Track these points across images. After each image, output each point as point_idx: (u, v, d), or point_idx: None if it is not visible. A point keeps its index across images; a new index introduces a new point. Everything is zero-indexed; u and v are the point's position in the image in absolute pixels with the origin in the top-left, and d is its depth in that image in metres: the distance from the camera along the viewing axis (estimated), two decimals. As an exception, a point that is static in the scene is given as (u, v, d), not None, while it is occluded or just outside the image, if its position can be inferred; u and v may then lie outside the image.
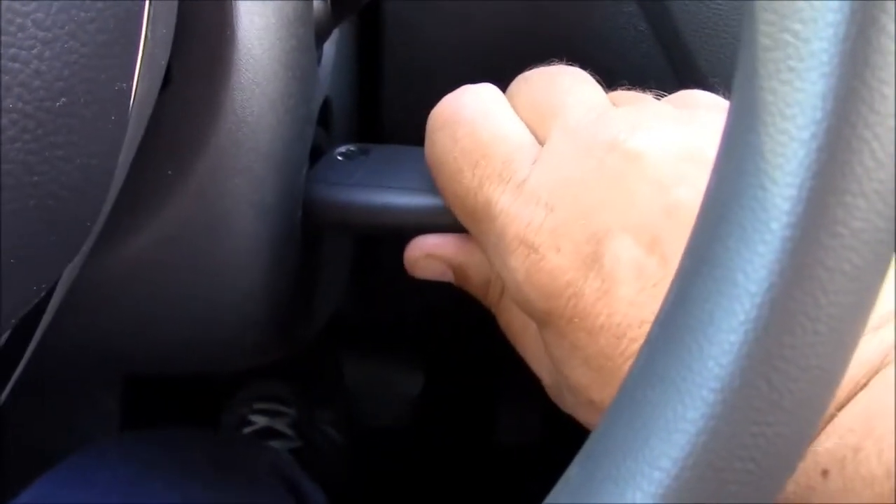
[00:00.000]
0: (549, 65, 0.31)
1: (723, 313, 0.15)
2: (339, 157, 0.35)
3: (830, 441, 0.22)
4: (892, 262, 0.16)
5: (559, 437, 0.87)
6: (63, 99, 0.21)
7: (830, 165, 0.15)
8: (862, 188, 0.15)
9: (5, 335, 0.25)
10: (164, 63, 0.27)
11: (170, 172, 0.30)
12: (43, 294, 0.24)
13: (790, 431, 0.16)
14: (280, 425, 0.86)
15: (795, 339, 0.15)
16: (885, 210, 0.15)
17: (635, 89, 0.31)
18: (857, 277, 0.15)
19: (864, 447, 0.22)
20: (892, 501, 0.21)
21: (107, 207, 0.26)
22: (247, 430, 0.85)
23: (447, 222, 0.31)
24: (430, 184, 0.31)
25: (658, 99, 0.30)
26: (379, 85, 0.42)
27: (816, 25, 0.15)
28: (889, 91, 0.15)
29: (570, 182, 0.27)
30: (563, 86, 0.30)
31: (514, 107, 0.30)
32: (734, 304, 0.15)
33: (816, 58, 0.15)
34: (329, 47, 0.36)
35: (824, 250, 0.15)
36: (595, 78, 0.30)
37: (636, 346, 0.25)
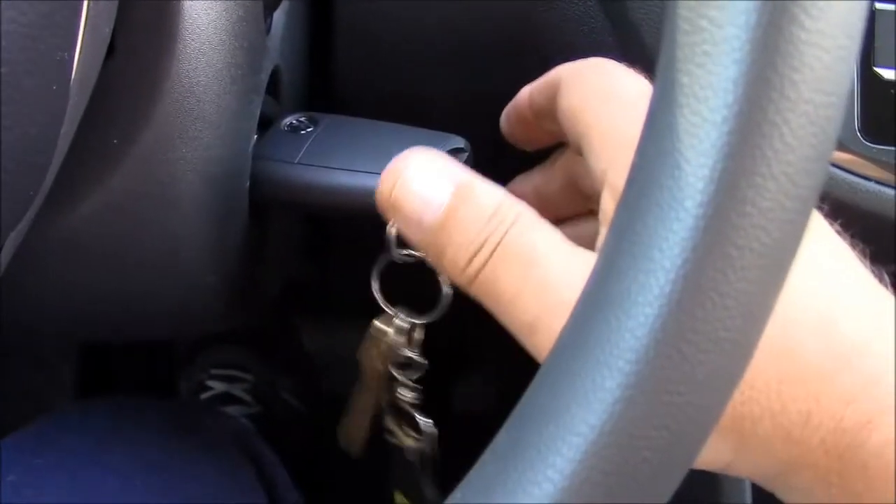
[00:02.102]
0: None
1: (639, 287, 0.16)
2: (286, 129, 0.35)
3: None
4: (802, 240, 0.16)
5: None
6: (2, 69, 0.21)
7: (741, 148, 0.15)
8: (771, 170, 0.15)
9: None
10: (108, 32, 0.27)
11: (115, 141, 0.30)
12: (-15, 262, 0.24)
13: (702, 401, 0.16)
14: (238, 391, 0.87)
15: (706, 313, 0.16)
16: (794, 191, 0.16)
17: None
18: (767, 255, 0.16)
19: None
20: None
21: (50, 177, 0.26)
22: (204, 395, 0.86)
23: None
24: (376, 163, 0.32)
25: None
26: (330, 54, 0.42)
27: (730, 12, 0.15)
28: (798, 77, 0.15)
29: None
30: None
31: None
32: (650, 279, 0.16)
33: (729, 43, 0.15)
34: (279, 16, 0.36)
35: (734, 229, 0.16)
36: None
37: None
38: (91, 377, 0.83)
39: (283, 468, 0.49)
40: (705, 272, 0.16)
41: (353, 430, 0.40)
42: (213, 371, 0.87)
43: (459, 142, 0.34)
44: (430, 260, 0.28)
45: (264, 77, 0.34)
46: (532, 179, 0.34)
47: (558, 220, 0.32)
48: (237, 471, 0.45)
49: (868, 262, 0.25)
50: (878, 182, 0.34)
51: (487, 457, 0.18)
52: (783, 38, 0.15)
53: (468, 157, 0.34)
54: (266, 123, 0.36)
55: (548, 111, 0.31)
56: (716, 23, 0.16)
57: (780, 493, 0.25)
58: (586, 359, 0.16)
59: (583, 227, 0.33)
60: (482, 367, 0.90)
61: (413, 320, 0.36)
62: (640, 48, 0.38)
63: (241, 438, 0.48)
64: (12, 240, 0.26)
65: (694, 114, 0.16)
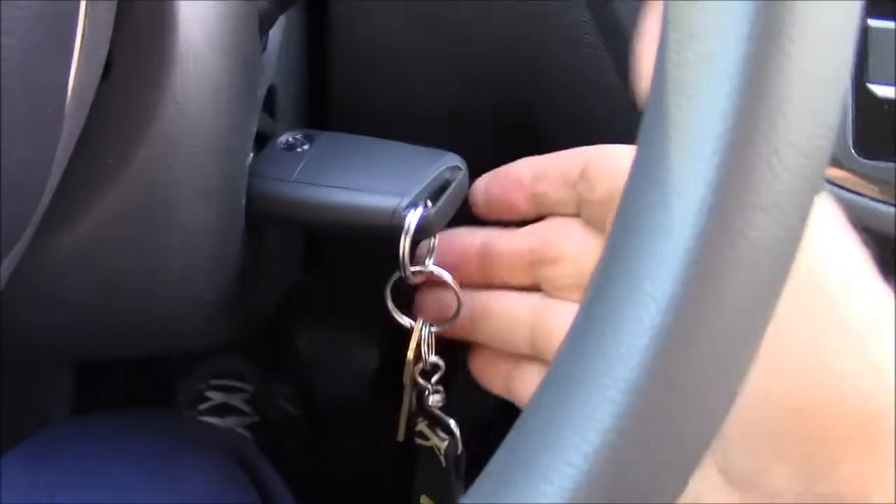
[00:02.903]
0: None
1: (630, 319, 0.16)
2: (282, 147, 0.35)
3: None
4: (791, 269, 0.17)
5: (510, 414, 0.87)
6: (-3, 94, 0.21)
7: (730, 179, 0.15)
8: (761, 201, 0.16)
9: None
10: (103, 53, 0.27)
11: (110, 161, 0.30)
12: (-20, 286, 0.24)
13: (694, 430, 0.17)
14: (236, 401, 0.87)
15: (697, 345, 0.16)
16: (784, 220, 0.16)
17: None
18: (758, 286, 0.16)
19: None
20: None
21: (46, 199, 0.26)
22: (203, 406, 0.86)
23: (386, 223, 0.31)
24: (372, 180, 0.32)
25: None
26: (326, 72, 0.43)
27: (721, 45, 0.16)
28: (788, 108, 0.16)
29: None
30: None
31: None
32: (640, 311, 0.16)
33: (720, 76, 0.15)
34: (275, 34, 0.36)
35: (725, 261, 0.16)
36: None
37: None
38: (89, 389, 0.83)
39: (283, 483, 0.49)
40: (696, 303, 0.16)
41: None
42: (212, 381, 0.87)
43: (456, 160, 0.34)
44: None
45: (260, 95, 0.34)
46: (485, 234, 0.36)
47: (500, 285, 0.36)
48: (236, 485, 0.45)
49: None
50: (871, 198, 0.34)
51: (481, 481, 0.18)
52: (773, 69, 0.15)
53: (464, 174, 0.34)
54: (262, 141, 0.36)
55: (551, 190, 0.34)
56: (704, 55, 0.16)
57: None
58: (578, 388, 0.17)
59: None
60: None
61: (431, 328, 0.37)
62: (627, 50, 0.38)
63: (240, 452, 0.48)
64: (8, 263, 0.26)
65: (684, 147, 0.16)
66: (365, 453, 0.91)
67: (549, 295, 0.36)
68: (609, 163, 0.33)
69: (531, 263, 0.36)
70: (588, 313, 0.17)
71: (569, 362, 0.17)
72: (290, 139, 0.35)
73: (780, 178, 0.16)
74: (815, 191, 0.17)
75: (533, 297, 0.36)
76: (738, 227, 0.15)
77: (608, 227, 0.33)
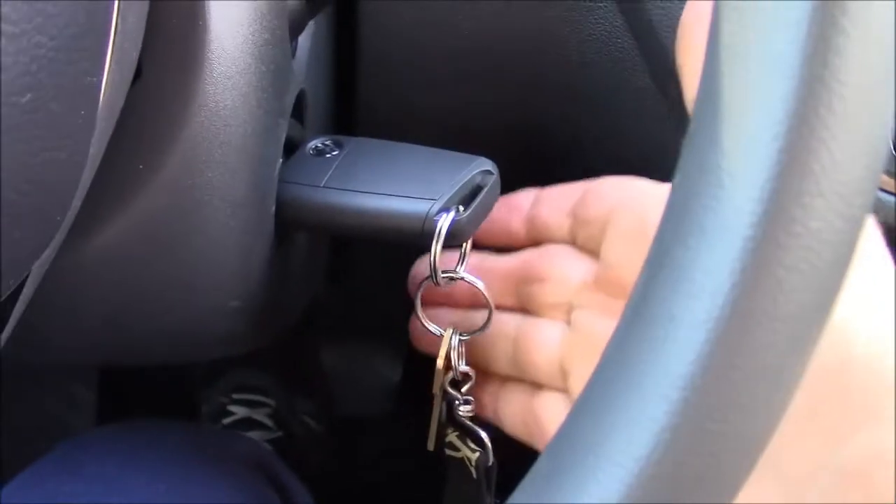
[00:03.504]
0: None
1: (684, 312, 0.15)
2: (312, 153, 0.35)
3: None
4: (852, 261, 0.16)
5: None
6: (29, 94, 0.21)
7: (790, 166, 0.15)
8: (820, 188, 0.15)
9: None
10: (135, 56, 0.27)
11: (141, 166, 0.30)
12: (12, 289, 0.24)
13: (750, 429, 0.16)
14: (259, 416, 0.86)
15: (755, 338, 0.15)
16: (845, 209, 0.15)
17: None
18: (816, 277, 0.15)
19: None
20: None
21: (77, 202, 0.26)
22: (226, 420, 0.85)
23: (417, 228, 0.31)
24: (402, 186, 0.32)
25: None
26: (355, 77, 0.42)
27: (778, 27, 0.15)
28: (847, 92, 0.15)
29: None
30: None
31: None
32: (695, 304, 0.15)
33: (778, 59, 0.15)
34: (304, 39, 0.36)
35: (783, 250, 0.15)
36: None
37: None
38: (112, 402, 0.83)
39: (308, 494, 0.48)
40: (753, 295, 0.15)
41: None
42: (235, 395, 0.87)
43: (487, 164, 0.33)
44: None
45: (290, 100, 0.34)
46: (477, 257, 0.38)
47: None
48: (261, 497, 0.45)
49: None
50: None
51: (527, 485, 0.18)
52: (831, 51, 0.15)
53: (496, 179, 0.33)
54: (291, 147, 0.36)
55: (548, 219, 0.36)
56: (763, 38, 0.15)
57: None
58: (630, 386, 0.16)
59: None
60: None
61: (461, 337, 0.37)
62: (660, 51, 0.38)
63: (263, 462, 0.48)
64: (38, 267, 0.26)
65: (742, 133, 0.15)
66: (388, 467, 0.90)
67: (534, 314, 0.36)
68: (608, 188, 0.33)
69: (518, 283, 0.36)
70: (638, 307, 0.16)
71: (618, 359, 0.16)
72: (320, 145, 0.35)
73: (838, 164, 0.15)
74: (876, 179, 0.16)
75: (517, 316, 0.37)
76: (797, 214, 0.15)
77: (602, 251, 0.33)
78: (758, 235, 0.15)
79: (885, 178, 0.34)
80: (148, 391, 0.86)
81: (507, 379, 0.38)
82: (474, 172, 0.33)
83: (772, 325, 0.15)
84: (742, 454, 0.16)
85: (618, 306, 0.34)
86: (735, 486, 0.16)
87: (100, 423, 0.82)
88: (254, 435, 0.84)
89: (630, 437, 0.15)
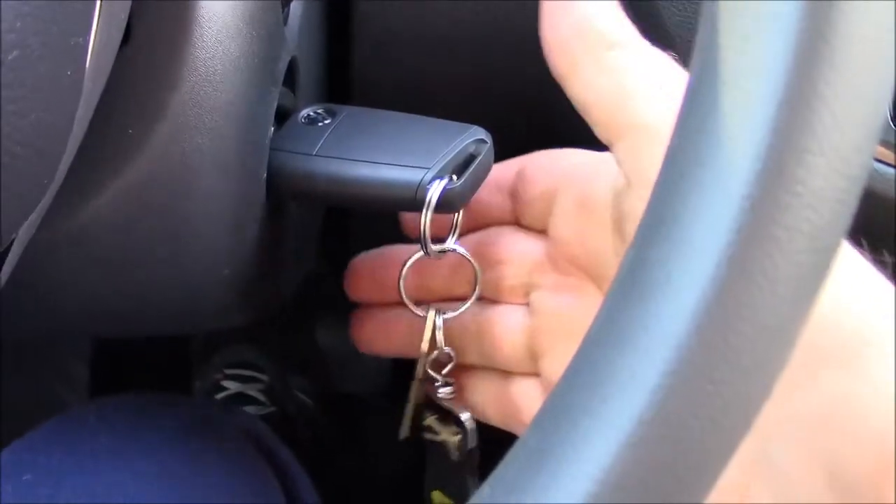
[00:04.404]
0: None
1: (680, 272, 0.15)
2: (304, 121, 0.34)
3: None
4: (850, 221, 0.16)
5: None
6: (15, 52, 0.21)
7: (790, 123, 0.15)
8: (821, 146, 0.15)
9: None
10: (123, 18, 0.27)
11: (131, 131, 0.29)
12: (-2, 253, 0.24)
13: (747, 390, 0.16)
14: (253, 391, 0.86)
15: (753, 299, 0.15)
16: (845, 169, 0.15)
17: None
18: (816, 237, 0.15)
19: None
20: None
21: (64, 166, 0.26)
22: (219, 395, 0.85)
23: (410, 196, 0.31)
24: (395, 155, 0.31)
25: None
26: (348, 45, 0.42)
27: None
28: (850, 49, 0.15)
29: None
30: None
31: None
32: (691, 263, 0.15)
33: (778, 14, 0.15)
34: (296, 6, 0.36)
35: (783, 209, 0.15)
36: None
37: None
38: (105, 378, 0.83)
39: (301, 467, 0.48)
40: (752, 255, 0.15)
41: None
42: (228, 371, 0.87)
43: (481, 133, 0.33)
44: None
45: (281, 67, 0.33)
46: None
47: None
48: (254, 470, 0.45)
49: (867, 247, 0.24)
50: (877, 161, 0.34)
51: (519, 450, 0.17)
52: (833, 7, 0.14)
53: (489, 148, 0.33)
54: (283, 116, 0.35)
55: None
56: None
57: None
58: (624, 346, 0.16)
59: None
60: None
61: (444, 316, 0.36)
62: (669, 44, 0.38)
63: (259, 437, 0.48)
64: (25, 231, 0.26)
65: (741, 89, 0.15)
66: (381, 445, 0.90)
67: (492, 300, 0.36)
68: (546, 163, 0.33)
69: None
70: (633, 267, 0.16)
71: (612, 319, 0.16)
72: (312, 113, 0.35)
73: (840, 122, 0.15)
74: (874, 139, 0.16)
75: (474, 305, 0.36)
76: (796, 173, 0.15)
77: (550, 229, 0.33)
78: (756, 194, 0.15)
79: (885, 150, 0.34)
80: (142, 367, 0.86)
81: (476, 368, 0.37)
82: (468, 141, 0.32)
83: (770, 286, 0.15)
84: (738, 416, 0.16)
85: (573, 283, 0.34)
86: (731, 448, 0.16)
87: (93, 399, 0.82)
88: (247, 410, 0.84)
89: (623, 396, 0.15)
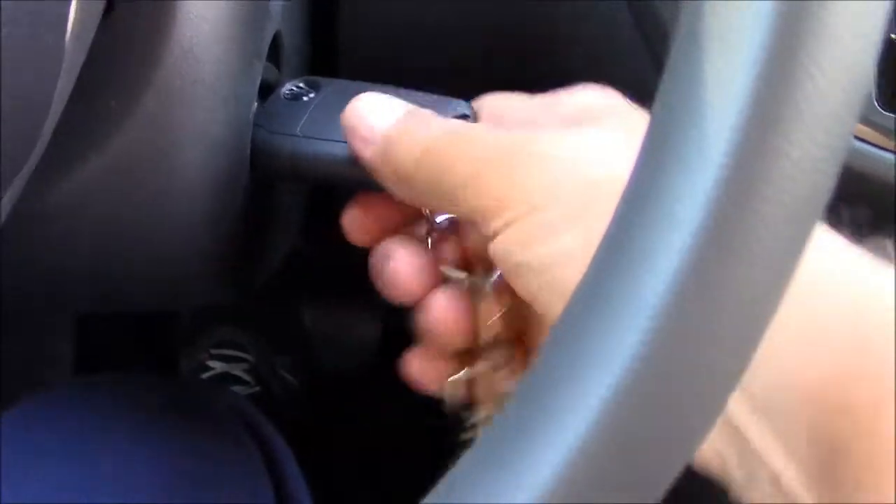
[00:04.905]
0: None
1: (659, 242, 0.15)
2: (287, 97, 0.34)
3: None
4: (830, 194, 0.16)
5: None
6: (-6, 19, 0.21)
7: (770, 92, 0.15)
8: (802, 117, 0.15)
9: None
10: None
11: (113, 103, 0.29)
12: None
13: (726, 362, 0.16)
14: (238, 371, 0.86)
15: (732, 270, 0.15)
16: (826, 140, 0.15)
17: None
18: (795, 208, 0.15)
19: None
20: None
21: (45, 136, 0.25)
22: (204, 375, 0.85)
23: None
24: None
25: None
26: (333, 20, 0.42)
27: None
28: (832, 19, 0.15)
29: None
30: None
31: None
32: (671, 234, 0.15)
33: None
34: (281, -21, 0.36)
35: (762, 180, 0.15)
36: None
37: None
38: (90, 357, 0.82)
39: (286, 445, 0.48)
40: (731, 226, 0.15)
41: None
42: (214, 351, 0.87)
43: (464, 106, 0.33)
44: (380, 167, 0.29)
45: (265, 41, 0.33)
46: None
47: None
48: (239, 447, 0.45)
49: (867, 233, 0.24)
50: (877, 147, 0.34)
51: (499, 420, 0.17)
52: None
53: (472, 121, 0.33)
54: (267, 90, 0.35)
55: None
56: None
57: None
58: (603, 316, 0.16)
59: None
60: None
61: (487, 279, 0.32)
62: (667, 44, 0.37)
63: (242, 413, 0.48)
64: (7, 200, 0.25)
65: (720, 57, 0.15)
66: (366, 423, 0.90)
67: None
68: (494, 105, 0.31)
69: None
70: (614, 238, 0.16)
71: (592, 290, 0.16)
72: (294, 88, 0.34)
73: (822, 92, 0.15)
74: (856, 111, 0.16)
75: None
76: (776, 143, 0.15)
77: None
78: (734, 164, 0.15)
79: (884, 137, 0.34)
80: (127, 348, 0.85)
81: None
82: (452, 115, 0.32)
83: (749, 257, 0.15)
84: (717, 387, 0.16)
85: None
86: (709, 418, 0.16)
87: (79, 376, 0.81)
88: (232, 390, 0.84)
89: (603, 367, 0.15)
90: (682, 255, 0.15)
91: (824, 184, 0.15)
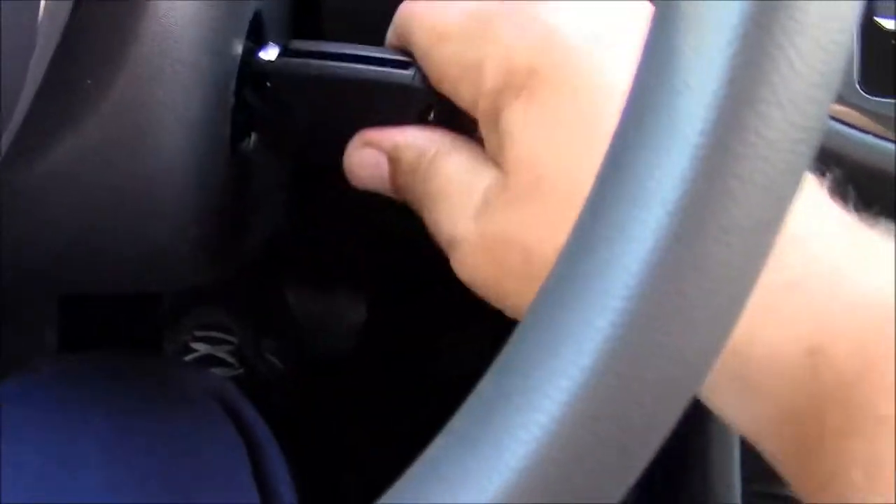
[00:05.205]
0: None
1: (633, 221, 0.15)
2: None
3: None
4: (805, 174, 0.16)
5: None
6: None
7: (746, 72, 0.14)
8: (778, 97, 0.15)
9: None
10: None
11: (89, 82, 0.29)
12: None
13: (699, 343, 0.16)
14: (222, 353, 0.86)
15: (706, 249, 0.15)
16: (801, 121, 0.15)
17: None
18: (770, 188, 0.15)
19: None
20: None
21: (18, 117, 0.25)
22: (188, 357, 0.85)
23: (406, 79, 0.30)
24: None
25: None
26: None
27: None
28: None
29: None
30: None
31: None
32: (644, 212, 0.15)
33: None
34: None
35: (737, 159, 0.15)
36: None
37: None
38: (73, 340, 0.82)
39: (267, 428, 0.48)
40: (705, 205, 0.15)
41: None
42: (198, 333, 0.87)
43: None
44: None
45: (245, 18, 0.33)
46: None
47: None
48: (218, 429, 0.45)
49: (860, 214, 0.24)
50: (875, 136, 0.34)
51: (472, 401, 0.17)
52: None
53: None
54: (246, 70, 0.35)
55: None
56: None
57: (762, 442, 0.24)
58: (575, 296, 0.16)
59: None
60: (465, 328, 0.89)
61: None
62: None
63: (225, 397, 0.47)
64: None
65: (698, 36, 0.15)
66: (350, 406, 0.91)
67: None
68: (404, 27, 0.31)
69: None
70: (590, 214, 0.16)
71: (566, 271, 0.16)
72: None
73: (798, 73, 0.15)
74: (831, 91, 0.16)
75: None
76: (751, 123, 0.14)
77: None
78: (710, 143, 0.15)
79: (887, 124, 0.34)
80: (110, 330, 0.85)
81: None
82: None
83: (725, 237, 0.15)
84: (689, 369, 0.16)
85: None
86: (681, 400, 0.16)
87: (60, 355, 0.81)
88: (216, 372, 0.84)
89: (575, 347, 0.15)
90: (657, 234, 0.15)
91: (799, 164, 0.15)
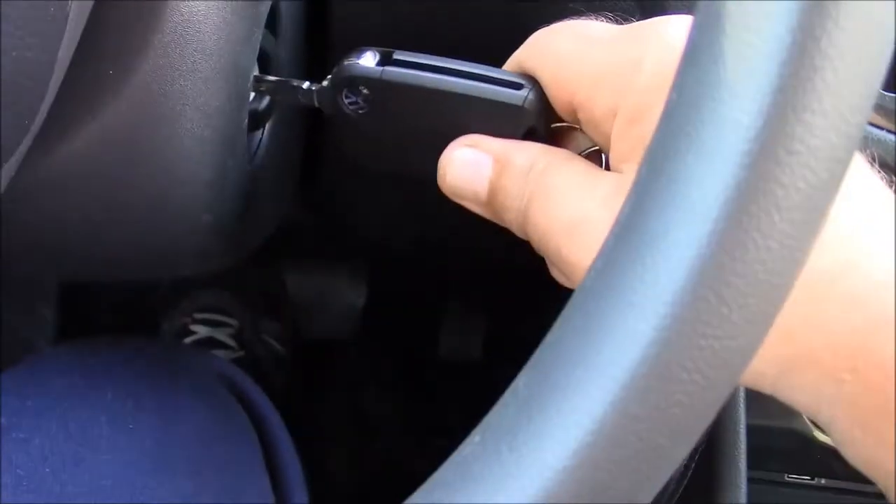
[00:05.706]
0: None
1: (677, 227, 0.15)
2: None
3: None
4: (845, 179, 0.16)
5: (500, 357, 0.88)
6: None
7: (792, 81, 0.15)
8: (822, 106, 0.15)
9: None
10: None
11: (111, 71, 0.29)
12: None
13: (737, 345, 0.16)
14: (222, 336, 0.86)
15: (748, 255, 0.15)
16: (844, 128, 0.15)
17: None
18: (812, 195, 0.15)
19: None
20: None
21: (45, 105, 0.25)
22: (188, 339, 0.85)
23: (517, 101, 0.30)
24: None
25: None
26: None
27: None
28: (855, 7, 0.15)
29: None
30: None
31: None
32: (688, 218, 0.15)
33: None
34: (277, -52, 0.35)
35: (781, 167, 0.15)
36: None
37: None
38: (73, 322, 0.82)
39: (273, 408, 0.48)
40: (748, 211, 0.15)
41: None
42: (197, 315, 0.86)
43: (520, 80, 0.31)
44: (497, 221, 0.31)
45: (264, 10, 0.33)
46: None
47: None
48: (228, 410, 0.45)
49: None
50: (876, 126, 0.34)
51: (508, 398, 0.17)
52: None
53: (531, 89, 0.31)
54: (265, 61, 0.35)
55: None
56: None
57: (780, 394, 0.25)
58: (619, 299, 0.16)
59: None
60: (465, 315, 0.90)
61: None
62: None
63: (232, 380, 0.48)
64: (7, 171, 0.25)
65: (744, 44, 0.15)
66: (349, 389, 0.91)
67: None
68: (543, 43, 0.31)
69: None
70: (630, 222, 0.16)
71: (608, 273, 0.16)
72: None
73: (843, 81, 0.15)
74: (872, 99, 0.16)
75: None
76: (797, 132, 0.15)
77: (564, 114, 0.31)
78: (755, 150, 0.15)
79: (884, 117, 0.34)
80: (109, 311, 0.85)
81: None
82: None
83: (766, 243, 0.15)
84: (727, 370, 0.16)
85: None
86: (717, 402, 0.16)
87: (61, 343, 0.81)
88: (216, 354, 0.84)
89: (617, 348, 0.15)
90: (700, 241, 0.15)
91: (839, 171, 0.15)
